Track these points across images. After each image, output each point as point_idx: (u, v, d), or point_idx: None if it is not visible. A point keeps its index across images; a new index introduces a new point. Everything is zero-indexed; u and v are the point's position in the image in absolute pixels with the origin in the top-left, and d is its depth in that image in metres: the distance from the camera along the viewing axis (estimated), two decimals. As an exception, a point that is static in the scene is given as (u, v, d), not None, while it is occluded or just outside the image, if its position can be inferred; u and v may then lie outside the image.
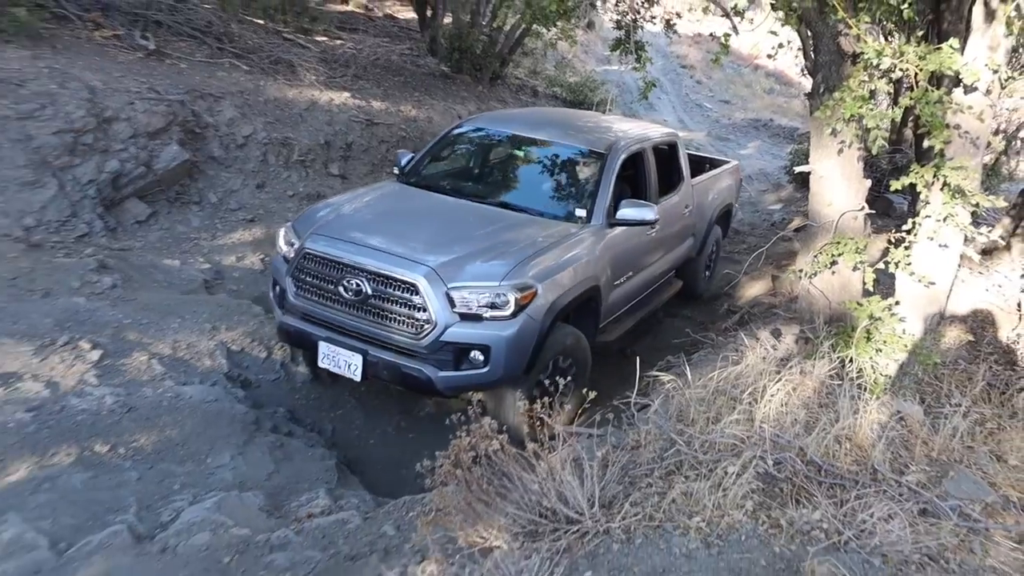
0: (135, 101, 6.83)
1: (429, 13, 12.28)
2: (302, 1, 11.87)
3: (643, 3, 7.47)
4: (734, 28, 6.04)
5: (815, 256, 4.89)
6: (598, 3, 9.86)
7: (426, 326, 4.56)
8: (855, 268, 4.72)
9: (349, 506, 3.99)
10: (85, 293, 5.48)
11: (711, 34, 6.48)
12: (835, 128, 4.51)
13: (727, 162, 8.87)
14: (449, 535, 3.05)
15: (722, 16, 6.07)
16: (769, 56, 6.09)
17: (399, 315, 4.67)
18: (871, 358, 4.32)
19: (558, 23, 5.97)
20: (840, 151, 4.86)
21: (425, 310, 4.54)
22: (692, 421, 3.28)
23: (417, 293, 4.55)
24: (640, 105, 15.95)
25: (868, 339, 4.45)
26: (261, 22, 10.65)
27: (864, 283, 4.69)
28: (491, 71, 11.84)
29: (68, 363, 4.75)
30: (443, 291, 4.53)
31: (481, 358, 4.56)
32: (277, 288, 5.27)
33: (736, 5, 5.44)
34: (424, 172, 6.33)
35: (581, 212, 5.53)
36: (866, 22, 4.55)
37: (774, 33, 5.98)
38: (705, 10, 6.85)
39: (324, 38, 11.55)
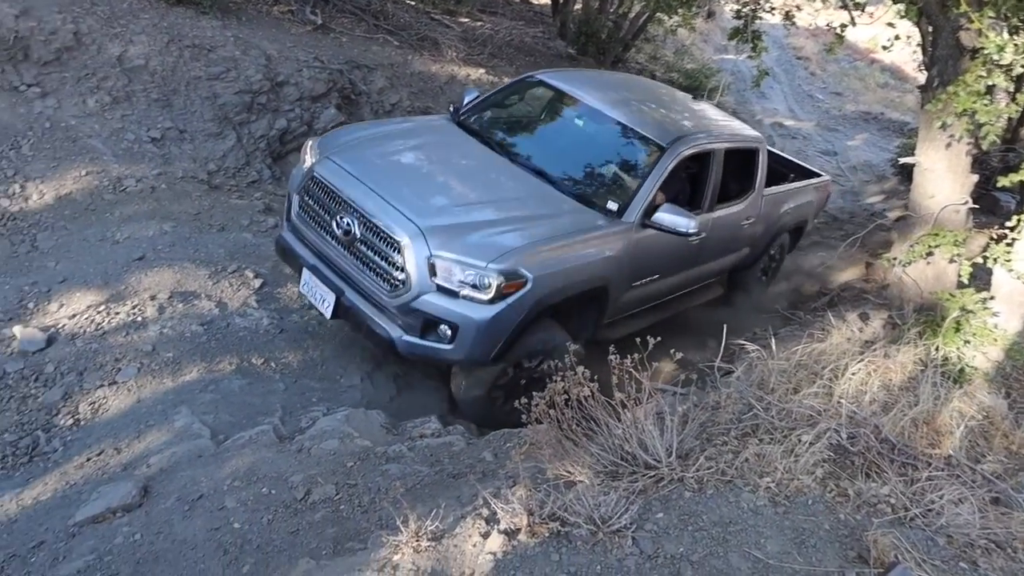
0: (303, 68, 7.09)
1: (562, 0, 12.07)
2: (450, -16, 11.90)
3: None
4: (852, 20, 5.57)
5: (912, 245, 4.54)
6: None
7: (401, 287, 4.03)
8: (951, 260, 4.37)
9: (456, 432, 4.09)
10: (252, 230, 5.79)
11: (827, 24, 5.94)
12: (945, 122, 4.13)
13: (818, 175, 7.29)
14: (539, 466, 3.08)
15: (840, 7, 5.60)
16: (884, 48, 5.50)
17: (379, 268, 4.14)
18: (958, 349, 4.00)
19: (679, 10, 5.63)
20: (948, 145, 4.46)
21: (404, 271, 3.99)
22: (772, 389, 3.15)
23: (400, 252, 3.99)
24: (752, 93, 15.14)
25: (957, 330, 4.12)
26: (412, 2, 10.77)
27: (959, 275, 4.33)
28: (614, 55, 11.54)
29: (235, 288, 5.06)
30: (426, 257, 3.93)
31: (448, 334, 4.01)
32: (287, 200, 4.77)
33: (856, -2, 5.01)
34: (477, 116, 5.46)
35: (613, 205, 4.62)
36: (990, 17, 4.11)
37: (891, 25, 5.44)
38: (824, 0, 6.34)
39: (466, 19, 11.56)
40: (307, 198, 4.52)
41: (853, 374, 3.28)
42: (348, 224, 4.20)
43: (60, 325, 4.41)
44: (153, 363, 4.27)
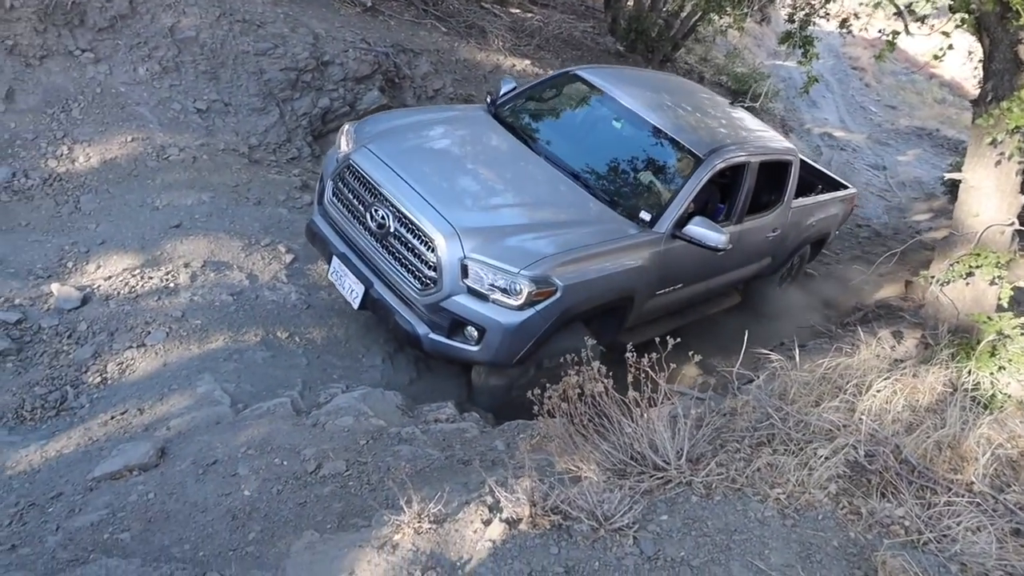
0: (349, 49, 7.13)
1: (615, -5, 11.96)
2: (502, -26, 11.87)
3: (821, -1, 6.81)
4: (906, 28, 5.39)
5: (952, 264, 4.39)
6: (776, -1, 9.23)
7: (432, 286, 4.03)
8: (992, 283, 4.21)
9: (470, 419, 4.09)
10: (288, 206, 5.87)
11: (880, 31, 5.75)
12: (996, 138, 3.98)
13: (845, 187, 7.18)
14: (548, 459, 3.07)
15: (894, 14, 5.41)
16: (936, 58, 5.30)
17: (411, 264, 4.14)
18: (992, 374, 3.86)
19: (730, 10, 5.49)
20: (998, 163, 4.30)
21: (436, 270, 3.98)
22: (792, 400, 3.08)
23: (434, 250, 3.98)
24: (802, 101, 14.84)
25: (992, 355, 3.97)
26: (464, -9, 10.78)
27: (999, 299, 4.17)
28: (662, 54, 11.40)
29: (266, 261, 5.13)
30: (459, 258, 3.92)
31: (475, 336, 4.03)
32: (320, 184, 4.77)
33: (911, 4, 4.83)
34: (514, 109, 5.40)
35: (647, 216, 4.56)
36: (1051, 31, 3.95)
37: (946, 34, 5.23)
38: (876, 5, 6.08)
39: (517, 10, 11.52)
40: (341, 185, 4.51)
41: (878, 391, 3.18)
42: (383, 217, 4.21)
43: (96, 285, 4.53)
44: (181, 329, 4.36)
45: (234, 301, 4.70)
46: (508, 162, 4.81)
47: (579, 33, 11.64)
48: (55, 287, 4.41)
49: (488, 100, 5.54)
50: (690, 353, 2.82)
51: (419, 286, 4.11)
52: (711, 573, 2.28)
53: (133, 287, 4.57)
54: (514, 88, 5.57)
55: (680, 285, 5.08)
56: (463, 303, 3.99)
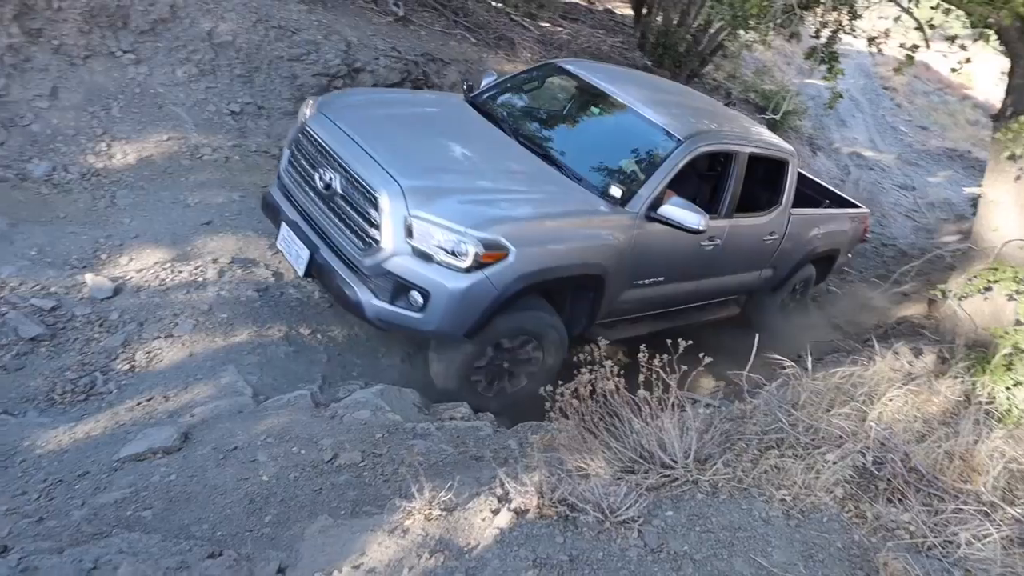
0: (379, 57, 7.31)
1: (645, 11, 12.05)
2: (534, -12, 12.04)
3: (848, 13, 6.80)
4: (925, 41, 5.39)
5: (969, 279, 4.39)
6: (804, 14, 9.18)
7: (374, 246, 3.83)
8: (1010, 297, 4.20)
9: (485, 419, 4.16)
10: (315, 207, 5.99)
11: (900, 45, 5.76)
12: (1015, 152, 3.98)
13: (856, 206, 7.00)
14: (558, 456, 3.12)
15: (915, 28, 5.42)
16: (954, 71, 5.30)
17: (355, 224, 3.95)
18: (1007, 388, 3.85)
19: (758, 24, 5.54)
20: (1018, 177, 4.31)
21: (379, 229, 3.78)
22: (802, 406, 3.11)
23: (377, 208, 3.78)
24: (831, 120, 14.79)
25: (1008, 368, 3.96)
26: (495, 3, 10.95)
27: (1017, 313, 4.16)
28: (690, 69, 11.46)
29: (292, 259, 5.25)
30: (403, 216, 3.72)
31: (420, 301, 3.79)
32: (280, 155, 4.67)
33: (931, 19, 4.85)
34: (490, 97, 5.28)
35: (617, 192, 4.33)
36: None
37: (963, 47, 5.22)
38: (897, 19, 6.07)
39: (546, 23, 11.68)
40: (297, 151, 4.40)
41: (889, 400, 3.20)
42: (330, 178, 4.05)
43: (128, 277, 4.68)
44: (208, 322, 4.49)
45: (259, 297, 4.83)
46: (473, 138, 4.62)
47: (607, 47, 11.76)
48: (89, 277, 4.57)
49: (465, 87, 5.49)
50: (700, 355, 2.86)
51: (361, 245, 3.91)
52: (713, 567, 2.32)
53: (163, 280, 4.72)
54: (495, 79, 5.52)
55: (662, 279, 4.87)
56: (406, 264, 3.78)
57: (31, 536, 2.68)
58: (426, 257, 3.76)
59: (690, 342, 2.93)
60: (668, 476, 2.69)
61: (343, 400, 3.97)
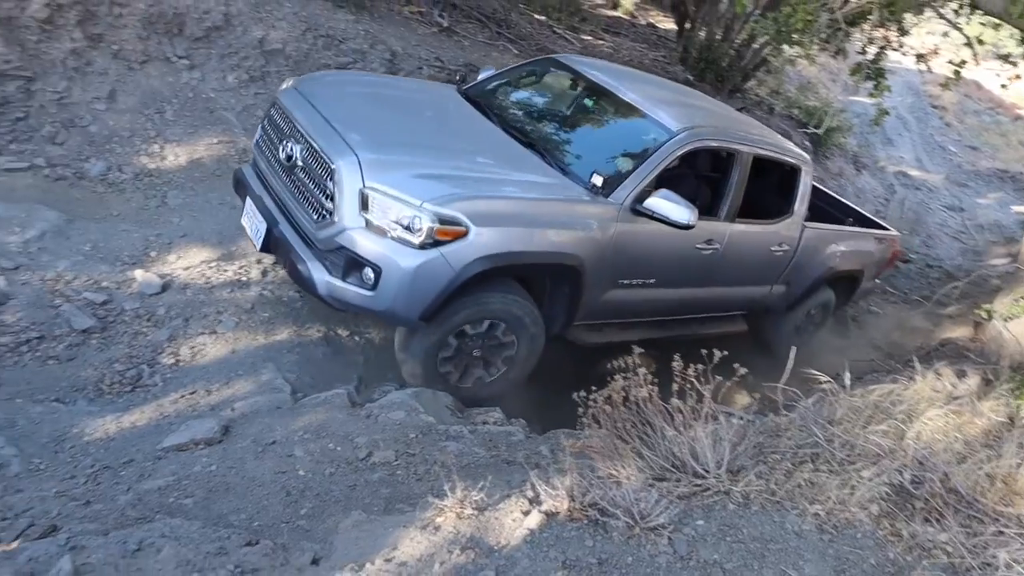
0: (423, 67, 7.45)
1: (688, 25, 12.05)
2: (576, 3, 12.14)
3: (896, 30, 6.69)
4: (975, 58, 5.29)
5: (1016, 300, 4.29)
6: (850, 30, 9.07)
7: (328, 218, 3.70)
8: (1059, 320, 4.11)
9: (517, 424, 4.19)
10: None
11: (948, 61, 5.65)
12: (1069, 175, 3.89)
13: (885, 229, 6.51)
14: (590, 463, 3.14)
15: (964, 45, 5.32)
16: (1003, 87, 5.18)
17: (312, 196, 3.82)
18: (1055, 413, 3.76)
19: (802, 40, 5.48)
20: (1071, 200, 4.19)
21: (333, 200, 3.64)
22: (838, 422, 3.08)
23: (333, 179, 3.64)
24: (875, 137, 14.54)
25: (1056, 393, 3.87)
26: (539, 16, 11.06)
27: (1067, 338, 4.07)
28: (732, 84, 11.40)
29: (332, 262, 5.36)
30: (358, 188, 3.58)
31: (372, 278, 3.61)
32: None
33: (980, 35, 4.77)
34: (483, 88, 5.13)
35: (598, 179, 4.12)
36: None
37: (1012, 63, 5.11)
38: (945, 35, 5.98)
39: (588, 37, 11.75)
40: (267, 125, 4.33)
41: (929, 420, 3.16)
42: (291, 149, 3.94)
43: (175, 274, 4.84)
44: (250, 320, 4.62)
45: (300, 298, 4.94)
46: (453, 121, 4.47)
47: (648, 61, 11.78)
48: (139, 273, 4.73)
49: (458, 78, 5.47)
50: (735, 365, 2.87)
51: (316, 218, 3.79)
52: (743, 577, 2.32)
53: (209, 278, 4.86)
54: (492, 73, 5.41)
55: (652, 281, 4.59)
56: (359, 239, 3.62)
57: (79, 518, 2.78)
58: (380, 232, 3.60)
59: (725, 353, 2.93)
60: (699, 485, 2.69)
61: (378, 400, 4.04)
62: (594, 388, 3.04)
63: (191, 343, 4.39)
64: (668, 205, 4.11)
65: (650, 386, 2.92)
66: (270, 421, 3.64)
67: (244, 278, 4.94)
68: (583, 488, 2.58)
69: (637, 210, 4.18)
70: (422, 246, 3.55)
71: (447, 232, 3.55)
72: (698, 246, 4.65)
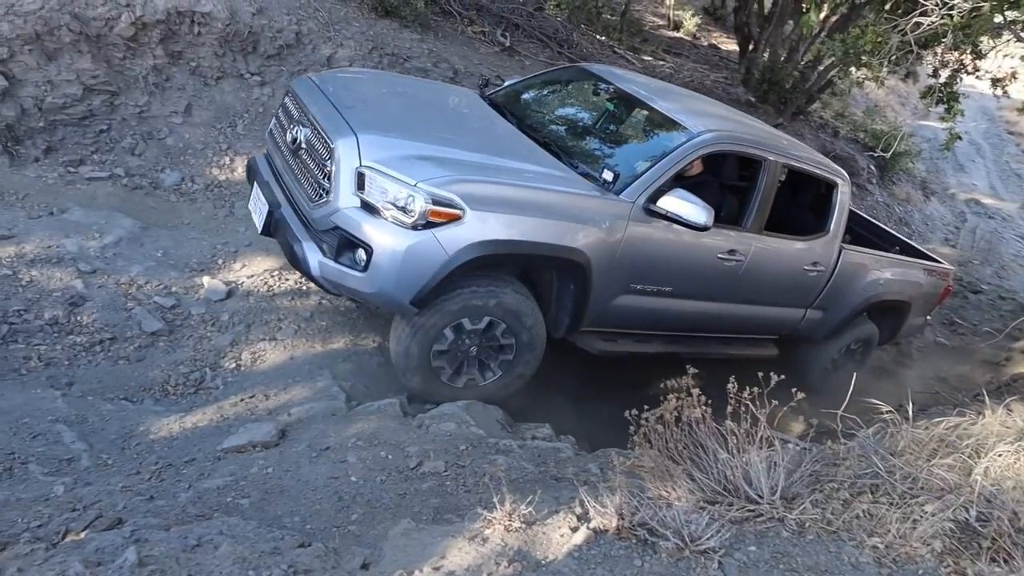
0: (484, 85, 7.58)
1: (751, 47, 11.95)
2: (638, 23, 12.18)
3: (971, 53, 6.47)
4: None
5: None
6: (922, 52, 8.82)
7: (324, 196, 3.67)
8: None
9: (566, 441, 4.19)
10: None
11: (1011, 70, 5.40)
12: None
13: (936, 261, 6.09)
14: (640, 483, 3.12)
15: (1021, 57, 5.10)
16: None
17: (311, 176, 3.82)
18: None
19: (871, 62, 5.34)
20: None
21: (330, 179, 3.62)
22: (900, 453, 2.99)
23: (332, 158, 3.62)
24: (948, 164, 14.09)
25: None
26: (600, 37, 11.13)
27: None
28: (795, 106, 11.23)
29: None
30: (354, 167, 3.54)
31: (363, 259, 3.56)
32: None
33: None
34: (506, 92, 5.11)
35: (609, 175, 3.98)
36: None
37: None
38: (1023, 58, 5.78)
39: (649, 57, 11.76)
40: (281, 114, 4.39)
41: (999, 455, 3.03)
42: (297, 132, 3.95)
43: (239, 282, 5.02)
44: (309, 328, 4.75)
45: (356, 308, 5.07)
46: (467, 118, 4.44)
47: (710, 82, 11.71)
48: (206, 280, 4.93)
49: (481, 83, 5.38)
50: (792, 390, 2.81)
51: (314, 196, 3.77)
52: (796, 607, 2.27)
53: (271, 286, 5.03)
54: (517, 80, 5.38)
55: (669, 288, 4.40)
56: (353, 218, 3.57)
57: (143, 512, 2.90)
58: (374, 211, 3.55)
59: (782, 376, 2.88)
60: (752, 511, 2.64)
61: (430, 411, 4.10)
62: (646, 407, 3.02)
63: (252, 348, 4.54)
64: (682, 204, 3.95)
65: (703, 407, 2.88)
66: (325, 427, 3.73)
67: (304, 287, 5.09)
68: (632, 507, 2.57)
69: (651, 210, 4.04)
70: (414, 227, 3.48)
71: (441, 214, 3.48)
72: (720, 256, 4.47)
